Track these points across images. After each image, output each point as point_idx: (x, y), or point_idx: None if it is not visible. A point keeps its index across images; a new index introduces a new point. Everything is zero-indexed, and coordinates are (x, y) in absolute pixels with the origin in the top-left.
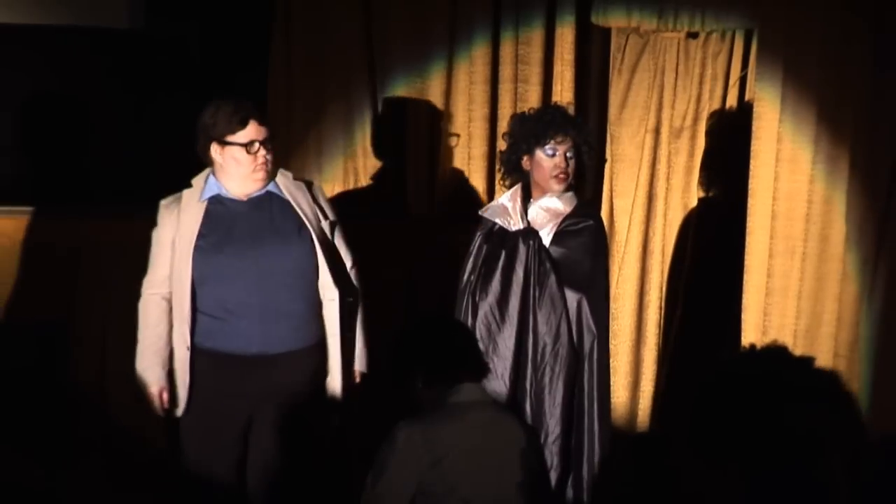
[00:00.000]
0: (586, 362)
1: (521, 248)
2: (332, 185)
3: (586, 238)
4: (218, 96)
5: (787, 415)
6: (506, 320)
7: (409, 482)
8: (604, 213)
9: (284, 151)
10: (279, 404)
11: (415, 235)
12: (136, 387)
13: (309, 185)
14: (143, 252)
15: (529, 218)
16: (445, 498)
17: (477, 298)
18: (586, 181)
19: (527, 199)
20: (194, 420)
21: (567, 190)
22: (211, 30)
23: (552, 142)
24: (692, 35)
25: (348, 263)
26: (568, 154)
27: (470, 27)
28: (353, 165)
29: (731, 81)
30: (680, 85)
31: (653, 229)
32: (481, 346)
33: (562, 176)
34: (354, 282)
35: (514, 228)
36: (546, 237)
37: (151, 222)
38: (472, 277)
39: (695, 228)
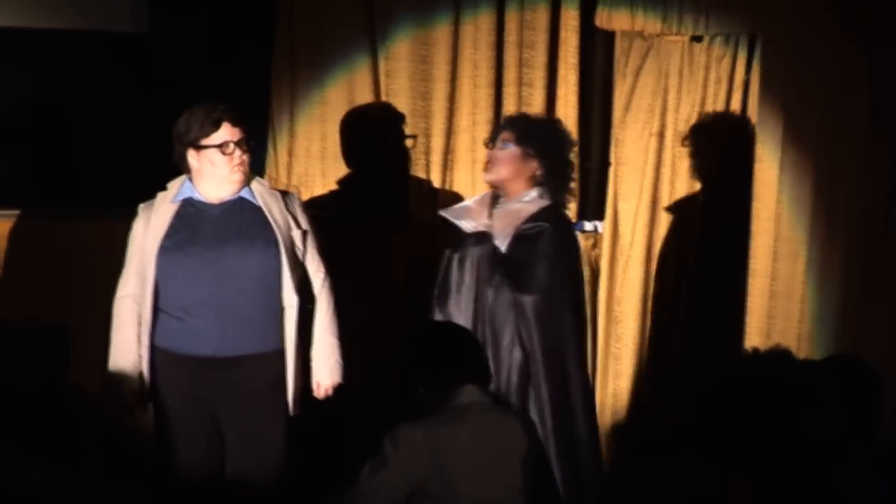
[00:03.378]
0: (541, 367)
1: (472, 252)
2: (335, 185)
3: (542, 243)
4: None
5: (797, 418)
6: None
7: (406, 481)
8: (608, 217)
9: (288, 155)
10: (241, 408)
11: (417, 238)
12: (107, 385)
13: (284, 195)
14: None
15: (493, 220)
16: (447, 500)
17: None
18: (568, 186)
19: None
20: (159, 421)
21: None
22: (214, 34)
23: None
24: (696, 39)
25: (319, 274)
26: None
27: (474, 31)
28: (357, 168)
29: (735, 85)
30: (684, 88)
31: (657, 233)
32: None
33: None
34: (325, 292)
35: (470, 230)
36: (505, 240)
37: None
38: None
39: (699, 232)
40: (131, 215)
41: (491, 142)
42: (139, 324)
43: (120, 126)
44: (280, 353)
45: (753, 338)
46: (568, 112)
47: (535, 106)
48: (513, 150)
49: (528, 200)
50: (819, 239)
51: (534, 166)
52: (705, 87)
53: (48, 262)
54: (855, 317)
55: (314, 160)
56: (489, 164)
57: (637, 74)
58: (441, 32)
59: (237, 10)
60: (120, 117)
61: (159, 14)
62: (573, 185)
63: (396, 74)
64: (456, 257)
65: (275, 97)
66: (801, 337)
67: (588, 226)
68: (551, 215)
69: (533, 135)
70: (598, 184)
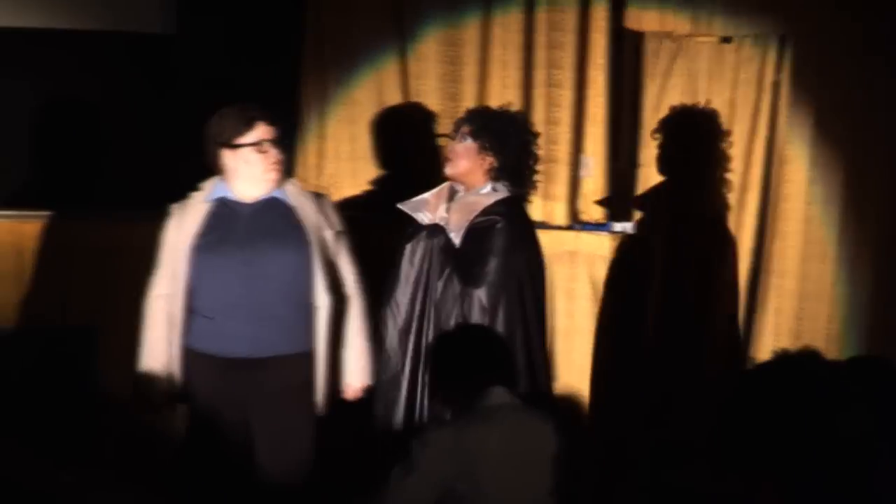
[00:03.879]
0: None
1: (423, 245)
2: (365, 186)
3: (494, 236)
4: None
5: (826, 419)
6: (399, 316)
7: (436, 483)
8: (637, 217)
9: (317, 157)
10: (273, 410)
11: None
12: (137, 385)
13: (317, 196)
14: None
15: (450, 213)
16: (476, 501)
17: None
18: (528, 178)
19: None
20: (190, 421)
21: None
22: (241, 35)
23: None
24: (726, 39)
25: (351, 276)
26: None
27: (503, 32)
28: (386, 169)
29: (765, 86)
30: (713, 89)
31: (684, 234)
32: (386, 340)
33: None
34: (357, 294)
35: (426, 222)
36: (460, 233)
37: None
38: None
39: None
40: (158, 216)
41: (453, 135)
42: (170, 324)
43: (146, 127)
44: (311, 354)
45: (783, 339)
46: (597, 113)
47: (564, 107)
48: (469, 143)
49: (484, 193)
50: (848, 240)
51: (490, 159)
52: (735, 88)
53: (75, 263)
54: (884, 318)
55: (343, 161)
56: (448, 158)
57: (666, 75)
58: (470, 33)
59: (264, 12)
60: (147, 118)
61: (187, 15)
62: (535, 177)
63: (425, 75)
64: (408, 249)
65: (304, 99)
66: (829, 338)
67: (617, 227)
68: (506, 208)
69: (489, 127)
70: (627, 185)
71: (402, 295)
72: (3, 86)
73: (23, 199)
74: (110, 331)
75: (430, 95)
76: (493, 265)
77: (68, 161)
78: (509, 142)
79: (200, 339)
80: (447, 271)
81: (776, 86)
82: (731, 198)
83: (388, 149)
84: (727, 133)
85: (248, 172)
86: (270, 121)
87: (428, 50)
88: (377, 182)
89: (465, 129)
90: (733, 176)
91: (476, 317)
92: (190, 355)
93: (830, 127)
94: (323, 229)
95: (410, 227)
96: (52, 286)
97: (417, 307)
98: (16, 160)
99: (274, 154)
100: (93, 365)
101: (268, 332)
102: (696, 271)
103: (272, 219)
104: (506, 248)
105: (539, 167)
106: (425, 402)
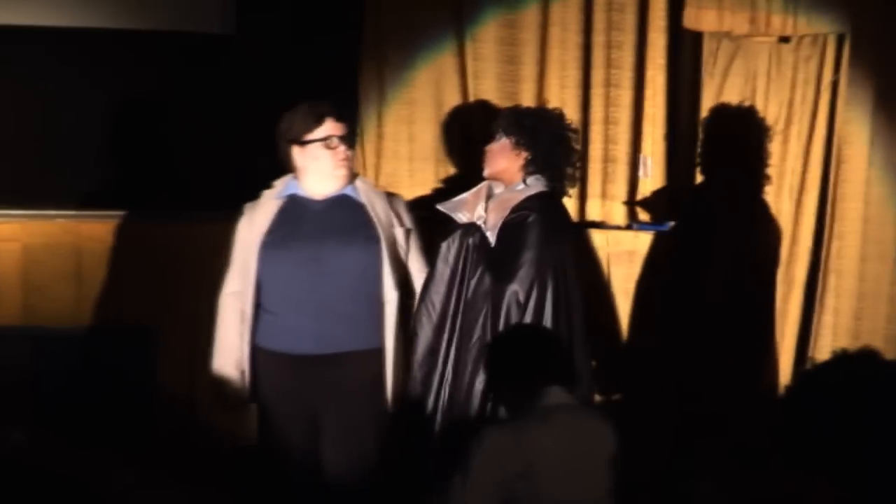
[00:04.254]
0: None
1: (458, 243)
2: (423, 186)
3: (525, 231)
4: (307, 100)
5: (885, 419)
6: (434, 314)
7: (496, 484)
8: (688, 215)
9: (376, 157)
10: (341, 406)
11: None
12: (210, 385)
13: (389, 194)
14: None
15: (487, 212)
16: (533, 501)
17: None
18: (564, 172)
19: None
20: (261, 420)
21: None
22: (302, 35)
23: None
24: (784, 39)
25: (422, 273)
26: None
27: (562, 32)
28: (445, 170)
29: (823, 86)
30: (772, 89)
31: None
32: (420, 339)
33: None
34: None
35: (464, 221)
36: (496, 231)
37: None
38: None
39: (790, 232)
40: (215, 217)
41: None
42: (241, 321)
43: (206, 127)
44: (380, 351)
45: (841, 339)
46: (656, 113)
47: (623, 107)
48: (503, 141)
49: (518, 189)
50: None
51: (524, 155)
52: (793, 87)
53: (133, 264)
54: None
55: (402, 161)
56: (486, 159)
57: (725, 75)
58: (528, 33)
59: (323, 12)
60: (206, 119)
61: (246, 14)
62: (572, 171)
63: (484, 75)
64: (443, 248)
65: (363, 99)
66: (888, 338)
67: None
68: (539, 203)
69: (520, 123)
70: (685, 185)
71: (436, 293)
72: (65, 85)
73: (81, 199)
74: (168, 331)
75: (488, 95)
76: (524, 260)
77: (128, 161)
78: (541, 136)
79: (268, 336)
80: (480, 269)
81: (834, 85)
82: (789, 198)
83: (445, 149)
84: (783, 132)
85: (317, 169)
86: (339, 117)
87: (486, 50)
88: (434, 182)
89: (499, 127)
90: (791, 176)
91: (509, 312)
92: (259, 353)
93: (888, 126)
94: (393, 226)
95: (449, 227)
96: (110, 286)
97: (451, 305)
98: (75, 160)
99: (342, 150)
100: (151, 365)
101: (335, 328)
102: (745, 270)
103: (341, 215)
104: (538, 242)
105: (578, 161)
106: (461, 400)
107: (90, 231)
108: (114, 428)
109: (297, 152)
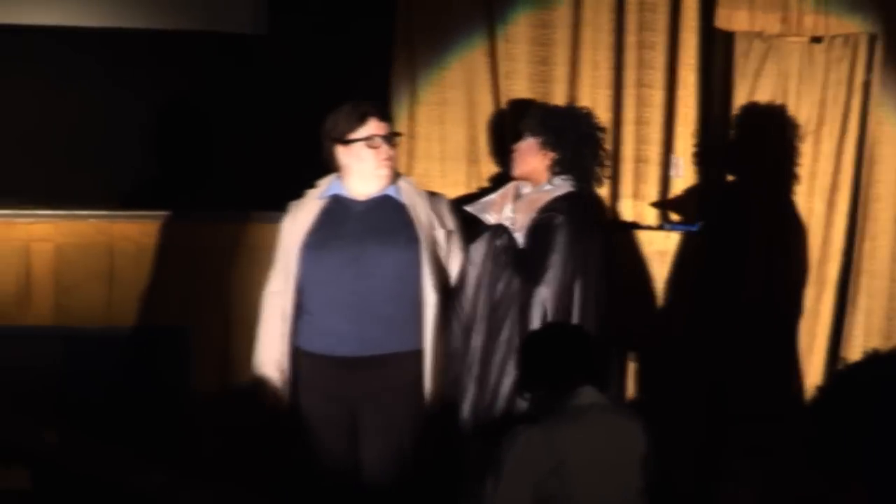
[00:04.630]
0: None
1: (485, 245)
2: (455, 186)
3: (554, 232)
4: (339, 100)
5: None
6: (463, 316)
7: (530, 484)
8: (718, 216)
9: (408, 157)
10: (379, 408)
11: None
12: (252, 385)
13: (433, 195)
14: (263, 256)
15: (516, 213)
16: (565, 500)
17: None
18: (593, 172)
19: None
20: (298, 421)
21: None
22: (333, 36)
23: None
24: (816, 40)
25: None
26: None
27: (594, 32)
28: (477, 170)
29: (855, 86)
30: (804, 90)
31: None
32: (450, 341)
33: None
34: None
35: (492, 223)
36: (524, 232)
37: (273, 226)
38: None
39: (822, 233)
40: (249, 217)
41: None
42: (283, 321)
43: (236, 128)
44: (419, 353)
45: (873, 339)
46: (688, 113)
47: (655, 107)
48: (530, 140)
49: (546, 190)
50: None
51: (551, 154)
52: (825, 88)
53: (166, 264)
54: None
55: (434, 161)
56: (514, 159)
57: (756, 75)
58: (560, 34)
59: (355, 12)
60: (237, 119)
61: (277, 15)
62: (601, 170)
63: (515, 76)
64: (471, 249)
65: (394, 99)
66: None
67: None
68: (567, 203)
69: (547, 123)
70: (716, 185)
71: (465, 296)
72: (97, 85)
73: (114, 199)
74: (201, 332)
75: (519, 96)
76: (552, 262)
77: (161, 161)
78: (567, 135)
79: (308, 338)
80: (509, 270)
81: (866, 86)
82: (821, 199)
83: (477, 149)
84: (815, 133)
85: (360, 168)
86: (383, 117)
87: (518, 50)
88: (466, 182)
89: (525, 127)
90: (823, 177)
91: (537, 314)
92: (298, 354)
93: None
94: (434, 228)
95: (478, 228)
96: (142, 287)
97: (479, 307)
98: (108, 160)
99: (385, 150)
100: (183, 366)
101: (374, 330)
102: (777, 271)
103: (383, 216)
104: (566, 244)
105: (607, 161)
106: (488, 402)
107: (123, 231)
108: (146, 428)
109: (340, 151)
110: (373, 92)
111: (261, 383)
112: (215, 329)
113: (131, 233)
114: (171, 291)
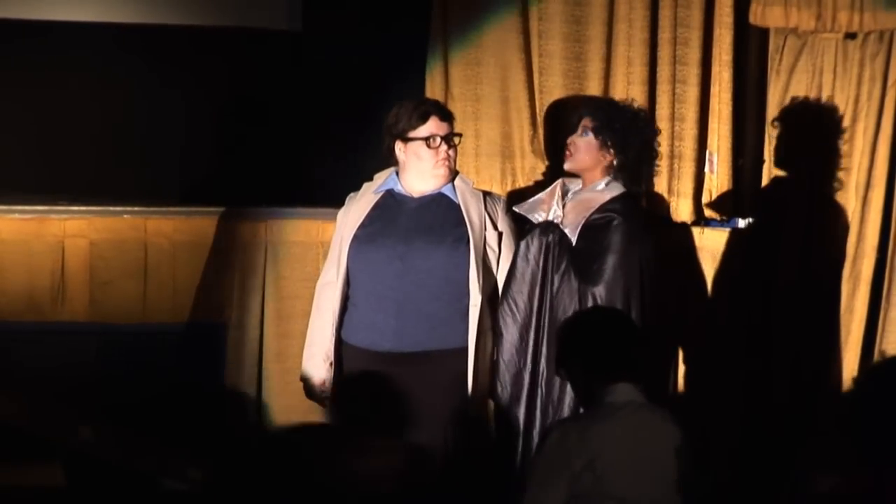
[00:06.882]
0: None
1: (537, 241)
2: (489, 183)
3: (611, 233)
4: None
5: None
6: (519, 313)
7: (566, 478)
8: (758, 213)
9: None
10: (420, 405)
11: None
12: (302, 373)
13: (487, 194)
14: (296, 252)
15: (566, 210)
16: (598, 499)
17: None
18: (645, 175)
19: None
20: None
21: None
22: (368, 33)
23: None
24: (850, 36)
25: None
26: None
27: (628, 28)
28: (511, 166)
29: (890, 82)
30: (838, 86)
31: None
32: (506, 339)
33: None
34: None
35: (539, 220)
36: (576, 230)
37: (308, 223)
38: None
39: (857, 229)
40: (284, 213)
41: (574, 128)
42: (332, 312)
43: (272, 124)
44: (460, 352)
45: None
46: (722, 109)
47: (690, 103)
48: (591, 139)
49: (600, 190)
50: None
51: (611, 157)
52: (859, 84)
53: (200, 260)
54: None
55: (468, 157)
56: (569, 152)
57: (791, 72)
58: (594, 29)
59: (390, 9)
60: (273, 115)
61: (313, 11)
62: (651, 173)
63: (550, 71)
64: (522, 246)
65: (429, 95)
66: None
67: (742, 223)
68: (623, 205)
69: (611, 125)
70: (752, 182)
71: (519, 292)
72: (132, 82)
73: (148, 195)
74: (236, 328)
75: (554, 92)
76: (610, 262)
77: (195, 157)
78: (632, 141)
79: (352, 331)
80: (563, 267)
81: None
82: (856, 195)
83: (512, 145)
84: (849, 129)
85: (417, 166)
86: (444, 116)
87: (553, 46)
88: (500, 179)
89: (587, 122)
90: (858, 173)
91: None
92: (343, 347)
93: None
94: (486, 229)
95: (525, 226)
96: (176, 283)
97: (535, 303)
98: (142, 156)
99: (444, 150)
100: (218, 362)
101: (416, 327)
102: (814, 267)
103: (434, 215)
104: (623, 245)
105: (658, 164)
106: (547, 399)
107: (157, 227)
108: (180, 425)
109: (399, 147)
110: (407, 88)
111: (308, 373)
112: (250, 325)
113: (165, 229)
114: (206, 287)
